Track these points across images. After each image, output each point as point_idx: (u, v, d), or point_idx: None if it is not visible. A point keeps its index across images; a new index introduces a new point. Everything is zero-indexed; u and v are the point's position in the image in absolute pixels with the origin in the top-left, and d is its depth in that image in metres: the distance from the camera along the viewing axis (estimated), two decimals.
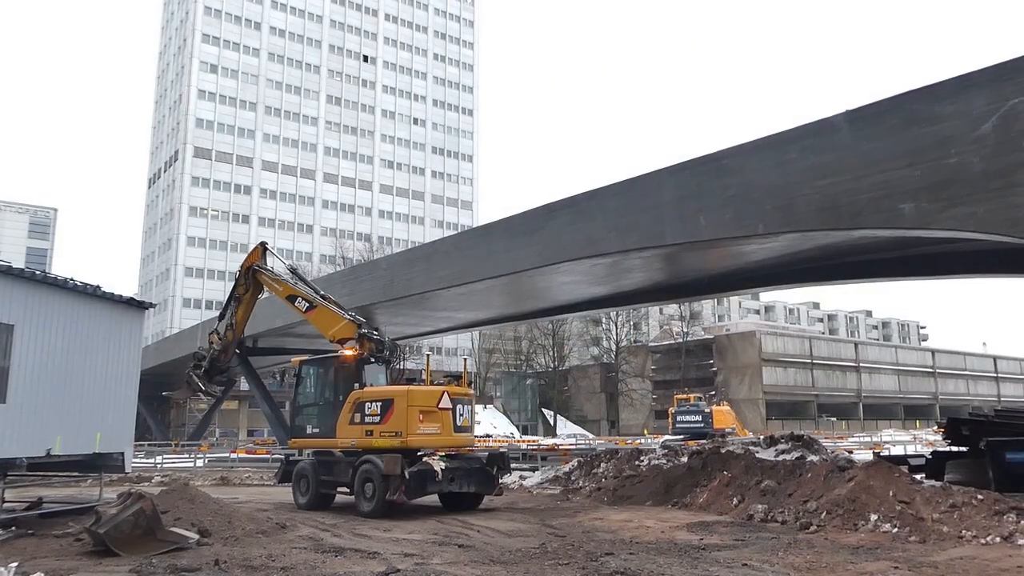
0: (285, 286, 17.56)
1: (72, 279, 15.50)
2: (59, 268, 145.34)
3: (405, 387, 15.22)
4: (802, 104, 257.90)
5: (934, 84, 14.29)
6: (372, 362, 15.84)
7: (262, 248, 18.55)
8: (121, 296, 16.83)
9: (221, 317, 18.58)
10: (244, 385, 65.15)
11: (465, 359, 19.27)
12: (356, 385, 15.30)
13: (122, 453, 15.65)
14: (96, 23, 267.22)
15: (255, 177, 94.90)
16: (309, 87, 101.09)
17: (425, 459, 14.26)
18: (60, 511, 13.51)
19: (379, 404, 14.66)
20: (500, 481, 15.78)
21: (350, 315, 16.43)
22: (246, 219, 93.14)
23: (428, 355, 18.19)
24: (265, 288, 18.25)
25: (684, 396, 53.49)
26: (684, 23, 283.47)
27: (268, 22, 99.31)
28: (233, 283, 18.74)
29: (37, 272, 15.12)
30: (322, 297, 17.00)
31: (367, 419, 14.75)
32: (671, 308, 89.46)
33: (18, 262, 19.37)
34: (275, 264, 18.85)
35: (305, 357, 17.36)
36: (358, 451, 14.83)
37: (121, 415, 16.36)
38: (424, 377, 16.23)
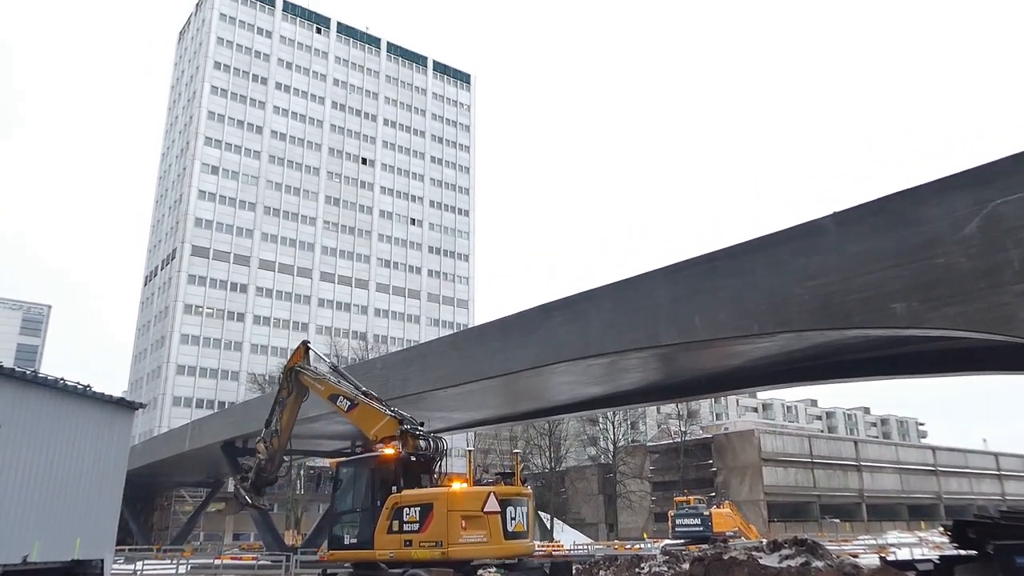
0: (327, 385, 16.76)
1: (63, 379, 15.41)
2: (50, 365, 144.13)
3: (445, 489, 13.51)
4: (791, 202, 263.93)
5: (916, 187, 14.69)
6: (414, 461, 14.46)
7: (304, 348, 18.02)
8: (111, 396, 16.71)
9: (268, 424, 17.81)
10: (231, 487, 63.50)
11: (516, 453, 17.33)
12: (394, 488, 13.81)
13: (102, 560, 15.10)
14: (98, 125, 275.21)
15: (252, 275, 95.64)
16: (308, 188, 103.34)
17: (480, 572, 12.65)
18: None
19: (418, 509, 13.07)
20: None
21: (392, 411, 15.45)
22: (241, 317, 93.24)
23: (470, 451, 16.07)
24: (309, 391, 17.42)
25: (683, 498, 52.26)
26: (682, 127, 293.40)
27: (270, 126, 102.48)
28: (276, 387, 18.16)
29: (27, 372, 15.04)
30: (363, 393, 16.17)
31: (406, 527, 13.16)
32: (668, 406, 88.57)
33: (8, 359, 19.30)
34: (318, 363, 18.23)
35: (342, 458, 16.20)
36: (401, 562, 13.20)
37: (103, 519, 15.93)
38: (467, 476, 14.48)
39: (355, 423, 16.13)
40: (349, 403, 16.05)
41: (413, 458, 14.42)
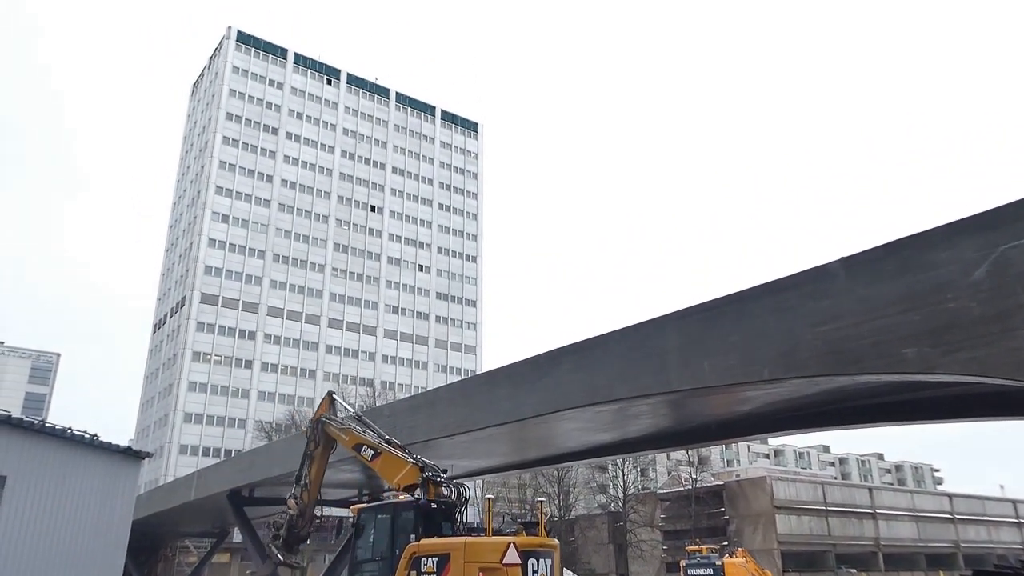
0: (352, 435, 16.73)
1: (70, 428, 15.36)
2: (57, 413, 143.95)
3: (462, 539, 13.27)
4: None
5: (925, 231, 14.69)
6: (435, 509, 14.18)
7: (330, 399, 18.08)
8: (118, 446, 16.61)
9: (297, 479, 17.63)
10: (237, 536, 62.73)
11: (540, 501, 16.59)
12: (413, 536, 13.57)
13: None
14: (110, 174, 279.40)
15: (260, 323, 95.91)
16: (317, 235, 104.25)
17: None
18: None
19: (435, 560, 12.79)
20: None
21: (414, 458, 15.26)
22: (249, 364, 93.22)
23: (489, 499, 15.09)
24: (336, 442, 17.33)
25: (695, 548, 51.30)
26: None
27: (280, 175, 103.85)
28: (306, 440, 18.06)
29: (35, 421, 15.00)
30: (387, 441, 16.07)
31: None
32: (679, 453, 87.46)
33: (16, 408, 19.25)
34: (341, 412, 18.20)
35: (364, 504, 15.87)
36: None
37: (107, 572, 15.70)
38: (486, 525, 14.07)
39: (378, 472, 15.96)
40: (372, 452, 15.89)
41: (434, 505, 14.12)
